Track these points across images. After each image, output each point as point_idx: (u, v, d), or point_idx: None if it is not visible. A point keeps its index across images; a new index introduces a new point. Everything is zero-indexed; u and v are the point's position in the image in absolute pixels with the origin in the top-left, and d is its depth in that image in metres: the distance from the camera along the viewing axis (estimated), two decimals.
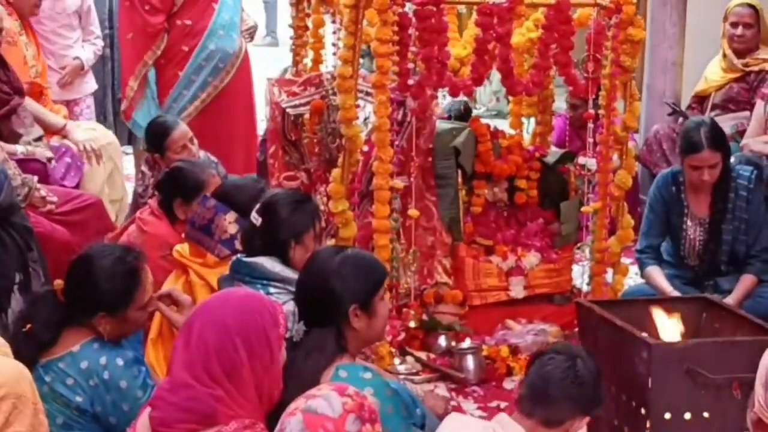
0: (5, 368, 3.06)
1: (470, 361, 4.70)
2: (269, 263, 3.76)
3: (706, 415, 3.51)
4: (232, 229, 4.26)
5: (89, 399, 3.24)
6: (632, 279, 5.40)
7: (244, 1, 6.64)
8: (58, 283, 3.45)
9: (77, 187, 5.61)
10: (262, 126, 6.66)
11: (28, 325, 3.38)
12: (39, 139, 5.65)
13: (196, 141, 5.35)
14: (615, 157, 5.18)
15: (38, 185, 4.98)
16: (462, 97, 5.62)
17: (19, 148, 5.35)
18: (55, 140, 5.79)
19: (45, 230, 4.77)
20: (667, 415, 3.52)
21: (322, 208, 4.91)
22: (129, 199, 6.18)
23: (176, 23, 6.21)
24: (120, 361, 3.28)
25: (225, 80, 6.27)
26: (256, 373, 2.76)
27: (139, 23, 6.26)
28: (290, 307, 3.49)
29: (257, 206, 3.91)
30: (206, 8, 6.26)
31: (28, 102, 5.73)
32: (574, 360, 3.04)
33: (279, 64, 7.62)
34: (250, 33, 6.62)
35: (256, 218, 3.88)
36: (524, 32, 5.19)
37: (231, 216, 4.26)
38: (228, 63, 6.27)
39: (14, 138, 5.43)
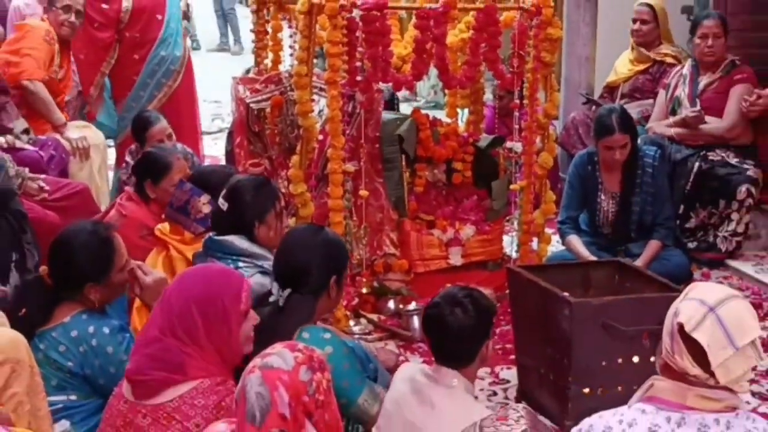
0: (3, 337, 3.04)
1: (416, 321, 4.70)
2: (238, 241, 3.77)
3: (619, 361, 3.55)
4: (206, 209, 4.28)
5: (79, 363, 3.22)
6: (555, 246, 5.43)
7: (200, 12, 6.72)
8: (44, 269, 3.44)
9: (63, 176, 5.56)
10: (225, 120, 6.69)
11: (23, 310, 3.36)
12: (25, 131, 5.60)
13: (174, 136, 5.38)
14: (538, 140, 5.22)
15: (31, 175, 4.94)
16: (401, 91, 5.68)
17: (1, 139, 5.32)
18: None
19: (37, 215, 4.73)
20: (586, 364, 3.55)
21: (283, 190, 4.90)
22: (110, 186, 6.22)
23: (125, 35, 6.30)
24: (106, 329, 3.27)
25: (177, 80, 6.42)
26: (213, 340, 2.78)
27: (90, 40, 6.33)
28: (258, 279, 3.51)
29: (223, 192, 3.91)
30: (151, 20, 6.34)
31: (41, 90, 5.77)
32: (452, 303, 3.08)
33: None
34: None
35: (222, 203, 3.88)
36: (457, 33, 5.19)
37: (204, 198, 4.28)
38: (178, 65, 6.43)
39: (4, 132, 5.38)
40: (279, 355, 2.38)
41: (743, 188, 5.69)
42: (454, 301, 3.09)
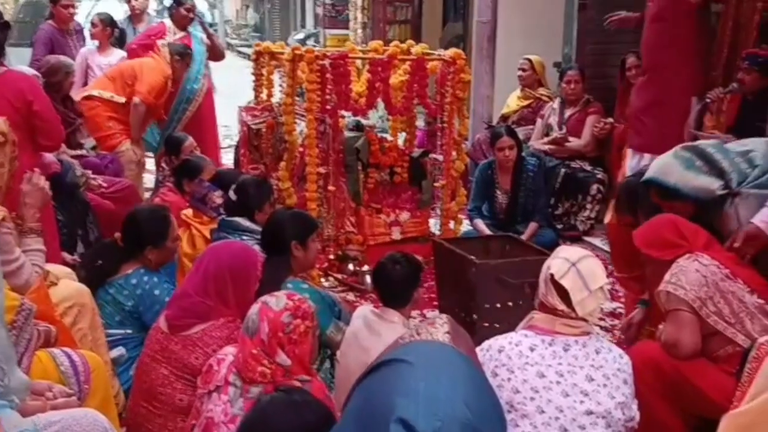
0: (72, 287, 3.01)
1: (368, 278, 4.68)
2: (243, 221, 3.75)
3: (509, 304, 3.58)
4: (219, 200, 4.22)
5: (135, 302, 3.19)
6: (465, 226, 5.45)
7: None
8: (117, 235, 3.39)
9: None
10: (233, 138, 6.57)
11: (99, 262, 3.35)
12: (93, 148, 5.50)
13: (199, 149, 5.31)
14: (454, 153, 5.22)
15: (92, 176, 4.86)
16: (358, 117, 5.66)
17: (77, 152, 5.20)
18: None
19: (97, 203, 4.66)
20: (487, 306, 3.59)
21: (274, 187, 4.85)
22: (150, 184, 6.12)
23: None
24: (156, 280, 3.26)
25: (195, 106, 6.19)
26: (237, 295, 2.78)
27: None
28: (257, 248, 3.48)
29: (233, 186, 3.88)
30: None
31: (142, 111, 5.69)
32: (393, 261, 3.10)
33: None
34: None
35: (232, 195, 3.85)
36: (398, 76, 5.17)
37: (218, 193, 4.23)
38: (196, 95, 6.19)
39: (77, 147, 5.27)
40: (277, 298, 2.38)
41: (594, 187, 5.76)
42: (394, 260, 3.10)
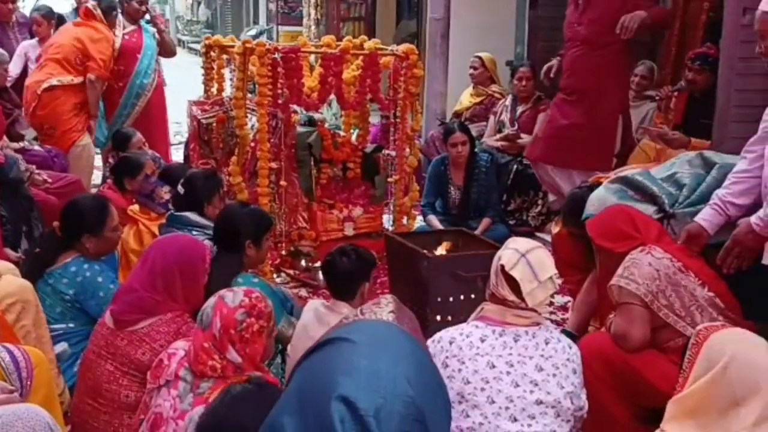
0: (15, 283, 2.94)
1: (320, 274, 4.64)
2: (192, 216, 3.70)
3: (461, 297, 3.60)
4: (167, 196, 4.19)
5: (76, 290, 3.13)
6: (418, 222, 5.47)
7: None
8: (56, 223, 3.33)
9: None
10: (183, 135, 6.53)
11: (36, 250, 3.34)
12: (35, 138, 5.38)
13: (147, 145, 5.24)
14: (407, 149, 5.23)
15: (37, 171, 4.75)
16: (311, 112, 5.64)
17: (20, 145, 5.13)
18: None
19: (42, 199, 4.55)
20: (439, 299, 3.59)
21: (225, 181, 4.80)
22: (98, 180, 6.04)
23: (113, 68, 6.00)
24: (96, 267, 3.21)
25: (144, 101, 6.15)
26: (185, 289, 2.72)
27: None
28: (206, 243, 3.44)
29: (182, 180, 3.83)
30: (132, 57, 6.09)
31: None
32: (341, 253, 3.11)
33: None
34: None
35: (180, 189, 3.80)
36: (351, 71, 5.16)
37: (166, 188, 4.19)
38: (146, 90, 6.14)
39: (19, 138, 5.15)
40: (234, 294, 2.35)
41: None
42: (342, 252, 3.10)
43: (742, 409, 1.85)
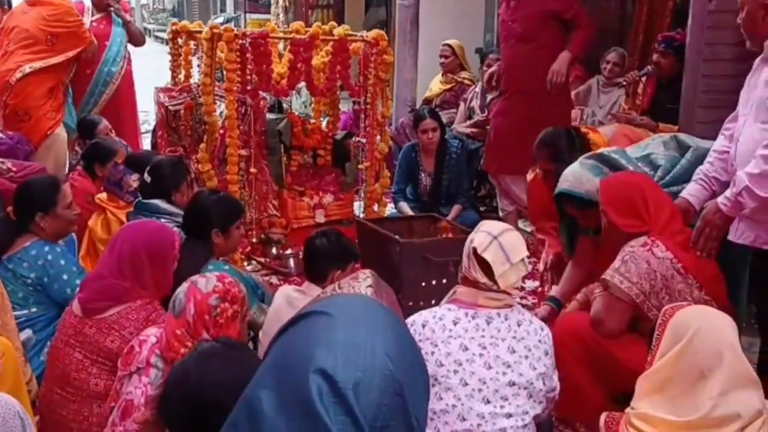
0: None
1: (292, 262, 4.67)
2: (160, 203, 3.65)
3: (433, 282, 3.60)
4: (135, 184, 4.12)
5: (38, 274, 3.09)
6: (389, 209, 5.47)
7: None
8: (10, 208, 3.28)
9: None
10: (150, 124, 6.46)
11: None
12: None
13: (114, 132, 5.16)
14: (378, 136, 5.22)
15: (1, 159, 4.65)
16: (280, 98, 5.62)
17: None
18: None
19: (5, 187, 4.43)
20: (411, 284, 3.60)
21: (194, 169, 4.75)
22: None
23: (82, 56, 5.83)
24: (58, 249, 3.17)
25: (112, 89, 6.01)
26: (155, 275, 2.69)
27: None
28: (175, 230, 3.41)
29: (147, 169, 3.78)
30: (100, 45, 5.95)
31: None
32: (324, 234, 3.11)
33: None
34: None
35: (147, 177, 3.75)
36: (321, 57, 5.13)
37: (135, 176, 4.12)
38: (113, 78, 6.00)
39: None
40: (207, 279, 2.32)
41: None
42: (324, 234, 3.11)
43: (708, 381, 1.89)
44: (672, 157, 3.19)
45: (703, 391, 1.89)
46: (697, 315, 2.04)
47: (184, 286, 2.29)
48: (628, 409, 2.04)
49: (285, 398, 1.11)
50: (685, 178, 3.07)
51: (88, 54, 5.71)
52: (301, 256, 4.76)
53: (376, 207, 5.23)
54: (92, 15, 6.08)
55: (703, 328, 1.96)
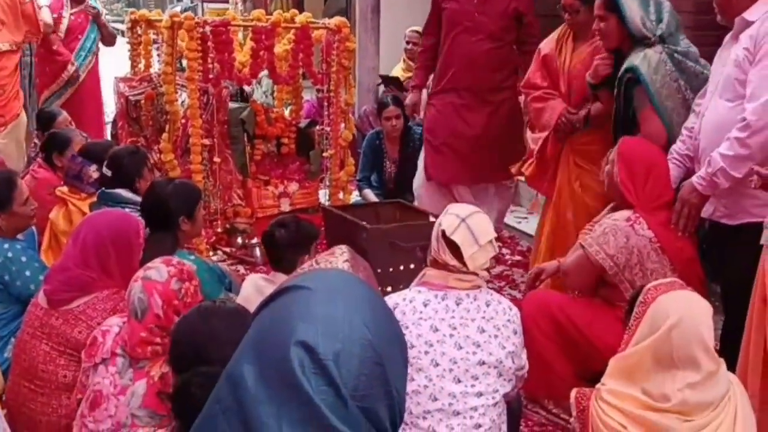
0: None
1: (257, 251, 4.66)
2: (124, 192, 3.60)
3: (401, 267, 3.63)
4: (95, 175, 4.05)
5: (0, 272, 3.01)
6: (354, 197, 5.48)
7: None
8: None
9: None
10: (109, 116, 6.40)
11: None
12: None
13: (74, 124, 5.07)
14: (342, 123, 5.22)
15: None
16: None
17: None
18: None
19: None
20: (379, 270, 3.55)
21: (157, 159, 4.70)
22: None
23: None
24: (18, 246, 3.10)
25: (77, 83, 5.98)
26: (120, 264, 2.65)
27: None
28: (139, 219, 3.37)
29: (105, 162, 3.73)
30: (74, 37, 5.94)
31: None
32: (281, 225, 3.09)
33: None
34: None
35: (107, 171, 3.70)
36: (283, 45, 5.11)
37: (94, 167, 4.04)
38: (80, 72, 5.98)
39: None
40: (156, 269, 2.30)
41: None
42: (281, 224, 3.09)
43: (679, 372, 1.93)
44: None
45: (672, 380, 1.93)
46: (678, 304, 2.03)
47: (136, 286, 2.25)
48: (598, 385, 2.08)
49: (267, 371, 1.13)
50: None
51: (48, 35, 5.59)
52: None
53: (341, 195, 5.24)
54: (70, 8, 6.04)
55: (684, 321, 1.98)
